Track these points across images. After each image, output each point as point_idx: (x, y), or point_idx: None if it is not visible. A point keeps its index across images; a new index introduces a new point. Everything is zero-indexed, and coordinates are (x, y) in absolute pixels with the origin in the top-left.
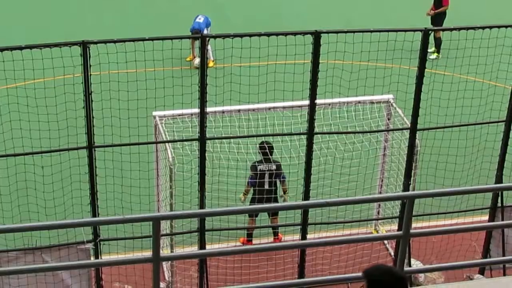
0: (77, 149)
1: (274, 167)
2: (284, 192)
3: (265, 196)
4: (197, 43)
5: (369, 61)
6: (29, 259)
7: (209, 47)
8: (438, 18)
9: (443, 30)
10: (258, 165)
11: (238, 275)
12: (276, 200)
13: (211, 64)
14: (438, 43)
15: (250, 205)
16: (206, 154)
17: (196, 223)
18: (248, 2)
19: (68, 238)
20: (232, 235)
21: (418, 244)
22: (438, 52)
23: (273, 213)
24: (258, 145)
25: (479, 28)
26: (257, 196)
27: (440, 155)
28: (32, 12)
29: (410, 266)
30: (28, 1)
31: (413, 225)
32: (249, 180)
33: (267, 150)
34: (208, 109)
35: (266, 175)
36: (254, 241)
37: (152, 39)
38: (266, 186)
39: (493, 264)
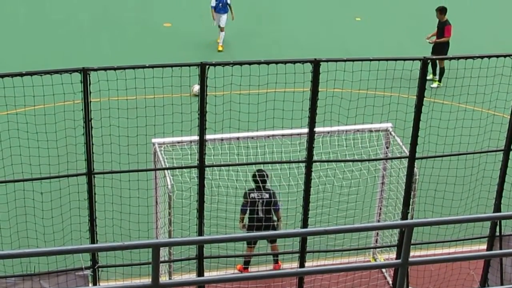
0: (76, 175)
1: (266, 195)
2: (278, 220)
3: (257, 224)
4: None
5: (368, 90)
6: (28, 285)
7: (222, 34)
8: (440, 48)
9: (441, 59)
10: (250, 193)
11: None
12: (273, 228)
13: (220, 48)
14: (441, 72)
15: (247, 232)
16: (205, 182)
17: (195, 250)
18: (247, 31)
19: (66, 264)
20: (230, 262)
21: (416, 273)
22: (439, 81)
23: (272, 240)
24: (253, 174)
25: (477, 57)
26: (249, 223)
27: (438, 183)
28: (32, 39)
29: None
30: (27, 28)
31: (411, 253)
32: (242, 208)
33: (259, 179)
34: (208, 137)
35: (259, 203)
36: (253, 268)
37: (151, 67)
38: (260, 214)
39: None
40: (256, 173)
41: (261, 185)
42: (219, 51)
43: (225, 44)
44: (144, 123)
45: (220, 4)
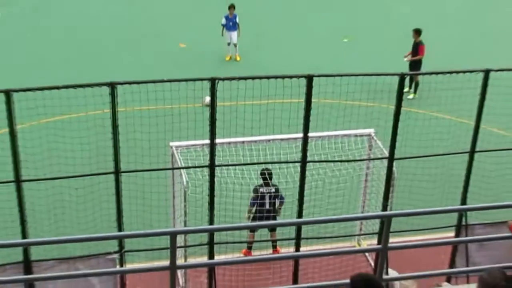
0: (105, 174)
1: (273, 190)
2: (278, 209)
3: (265, 214)
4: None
5: (353, 100)
6: (64, 267)
7: (236, 48)
8: (415, 65)
9: (417, 74)
10: (259, 188)
11: (242, 282)
12: (275, 218)
13: (238, 58)
14: (416, 85)
15: (252, 222)
16: (215, 179)
17: (206, 237)
18: (252, 50)
19: (98, 249)
20: (236, 247)
21: (395, 256)
22: (415, 92)
23: (272, 229)
24: (259, 172)
25: (447, 72)
26: (258, 214)
27: (413, 180)
28: (68, 57)
29: (387, 274)
30: (65, 48)
31: (390, 240)
32: (251, 201)
33: (267, 176)
34: (217, 141)
35: (266, 197)
36: (255, 253)
37: (169, 81)
38: (267, 206)
39: (458, 273)
40: (264, 171)
41: (268, 181)
42: (237, 60)
43: (232, 60)
44: (163, 129)
45: (231, 23)
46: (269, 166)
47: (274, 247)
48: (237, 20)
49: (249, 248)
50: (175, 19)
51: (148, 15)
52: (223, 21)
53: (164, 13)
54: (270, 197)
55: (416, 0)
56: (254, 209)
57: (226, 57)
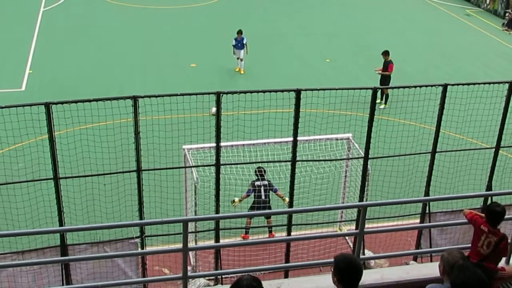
0: (129, 172)
1: (266, 183)
2: (281, 197)
3: (262, 204)
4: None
5: (334, 110)
6: (95, 250)
7: (242, 63)
8: (385, 80)
9: (387, 88)
10: (255, 182)
11: (243, 261)
12: (269, 207)
13: (242, 72)
14: (386, 97)
15: (250, 210)
16: (220, 176)
17: (213, 224)
18: (251, 68)
19: (122, 234)
20: (238, 232)
21: (370, 239)
22: (385, 103)
23: (268, 216)
24: (255, 169)
25: (412, 86)
26: (256, 205)
27: (385, 176)
28: (99, 75)
29: (364, 254)
30: (96, 67)
31: (366, 225)
32: (247, 191)
33: (261, 173)
34: (222, 144)
35: (262, 189)
36: (253, 237)
37: (182, 94)
38: (263, 198)
39: (423, 253)
40: (258, 169)
41: (261, 177)
42: (241, 74)
43: (237, 75)
44: (177, 134)
45: (239, 44)
46: (265, 164)
47: (270, 231)
48: (245, 41)
49: (247, 232)
50: (188, 41)
51: (165, 38)
52: (233, 42)
53: (178, 36)
54: (265, 190)
55: (384, 28)
56: (253, 199)
57: (235, 68)
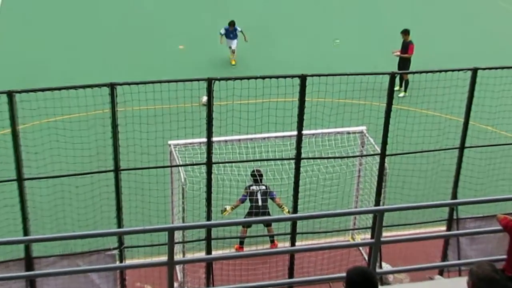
0: (106, 171)
1: (264, 187)
2: (280, 206)
3: (258, 210)
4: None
5: (346, 99)
6: (65, 263)
7: (234, 54)
8: (405, 64)
9: (407, 73)
10: (251, 186)
11: (239, 276)
12: (268, 214)
13: (233, 62)
14: (406, 84)
15: (246, 217)
16: (212, 176)
17: (204, 233)
18: (249, 51)
19: (97, 245)
20: (233, 242)
21: (388, 250)
22: (405, 91)
23: (268, 224)
24: (250, 173)
25: (436, 71)
26: (254, 210)
27: (405, 176)
28: (69, 59)
29: (381, 268)
30: (67, 50)
31: (383, 234)
32: (241, 197)
33: (257, 177)
34: (214, 139)
35: (259, 194)
36: (251, 248)
37: (168, 81)
38: (260, 203)
39: (450, 266)
40: (255, 173)
41: (258, 179)
42: (232, 65)
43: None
44: (162, 128)
45: (231, 35)
46: (265, 163)
47: (272, 241)
48: (239, 29)
49: (241, 243)
50: (175, 20)
51: (148, 16)
52: (222, 31)
53: (164, 14)
54: (261, 194)
55: (404, 2)
56: (249, 206)
57: (231, 61)
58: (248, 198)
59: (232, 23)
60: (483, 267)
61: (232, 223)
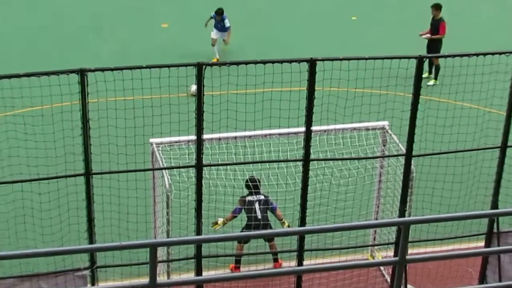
0: (74, 176)
1: (262, 197)
2: (280, 220)
3: (258, 223)
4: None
5: (364, 88)
6: (26, 286)
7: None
8: (435, 46)
9: (438, 57)
10: (247, 197)
11: None
12: (270, 227)
13: (215, 60)
14: (437, 70)
15: (243, 231)
16: (203, 181)
17: (193, 250)
18: (244, 32)
19: (65, 264)
20: (228, 261)
21: (415, 270)
22: (435, 78)
23: (270, 238)
24: (244, 184)
25: (473, 54)
26: (253, 222)
27: (436, 181)
28: (30, 42)
29: None
30: (25, 31)
31: (409, 251)
32: (234, 210)
33: (254, 185)
34: (205, 136)
35: (256, 205)
36: (251, 267)
37: (149, 67)
38: (259, 215)
39: None
40: (250, 180)
41: (254, 190)
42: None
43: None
44: (142, 123)
45: (219, 26)
46: (265, 166)
47: (275, 260)
48: (227, 25)
49: (237, 262)
50: None
51: None
52: (213, 14)
53: None
54: (260, 204)
55: None
56: (246, 220)
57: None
58: (245, 209)
59: (219, 12)
60: None
61: (226, 238)
